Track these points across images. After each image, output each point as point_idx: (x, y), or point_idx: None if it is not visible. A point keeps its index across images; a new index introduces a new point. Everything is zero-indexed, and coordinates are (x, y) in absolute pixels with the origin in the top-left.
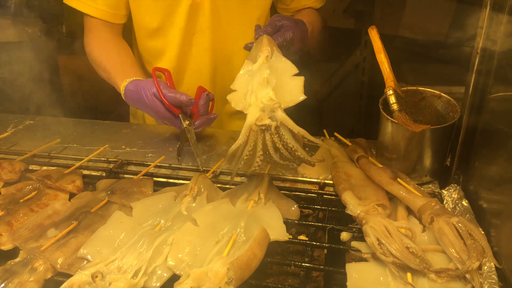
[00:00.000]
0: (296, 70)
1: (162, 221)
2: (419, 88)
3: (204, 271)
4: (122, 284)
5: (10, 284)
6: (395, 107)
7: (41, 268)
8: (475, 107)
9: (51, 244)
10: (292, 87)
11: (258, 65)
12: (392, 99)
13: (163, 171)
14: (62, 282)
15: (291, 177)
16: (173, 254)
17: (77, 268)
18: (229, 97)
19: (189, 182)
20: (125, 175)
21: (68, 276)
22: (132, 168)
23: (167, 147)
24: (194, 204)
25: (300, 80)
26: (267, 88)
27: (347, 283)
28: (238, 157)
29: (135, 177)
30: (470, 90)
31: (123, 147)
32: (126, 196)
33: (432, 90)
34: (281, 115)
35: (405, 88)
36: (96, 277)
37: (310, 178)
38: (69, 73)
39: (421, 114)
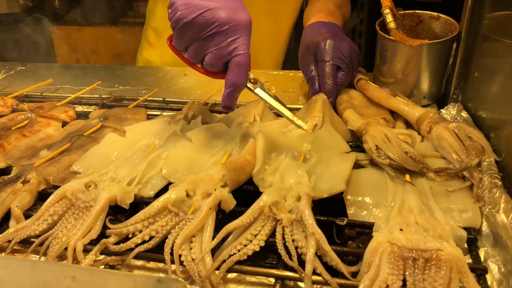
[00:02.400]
0: (347, 148)
1: (156, 140)
2: (416, 11)
3: (199, 177)
4: (116, 188)
5: (2, 192)
6: (392, 25)
7: (34, 180)
8: (474, 20)
9: (43, 161)
10: (334, 171)
11: (299, 133)
12: (389, 18)
13: (156, 104)
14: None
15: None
16: (168, 165)
17: (67, 181)
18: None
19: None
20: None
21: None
22: (126, 102)
23: (160, 84)
24: (188, 126)
25: (349, 161)
26: (301, 169)
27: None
28: (233, 240)
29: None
30: (470, 2)
31: (116, 85)
32: (120, 122)
33: (429, 12)
34: (303, 207)
35: (402, 12)
36: (90, 186)
37: None
38: (63, 44)
39: (419, 39)
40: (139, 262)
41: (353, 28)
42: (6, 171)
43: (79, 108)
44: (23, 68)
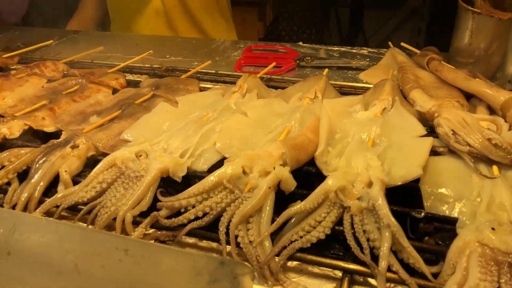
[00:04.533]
0: (422, 131)
1: (210, 113)
2: None
3: (256, 153)
4: (168, 159)
5: (51, 156)
6: None
7: (83, 146)
8: None
9: (93, 128)
10: (409, 155)
11: (367, 115)
12: None
13: (209, 76)
14: None
15: (351, 84)
16: (222, 139)
17: (116, 149)
18: (323, 122)
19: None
20: None
21: None
22: (178, 73)
23: (213, 57)
24: (243, 100)
25: (426, 144)
26: (370, 153)
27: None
28: (295, 225)
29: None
30: None
31: (168, 56)
32: (171, 92)
33: None
34: (376, 194)
35: None
36: (140, 156)
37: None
38: None
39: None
40: (191, 240)
41: (413, 9)
42: (55, 135)
43: (130, 77)
44: (75, 35)
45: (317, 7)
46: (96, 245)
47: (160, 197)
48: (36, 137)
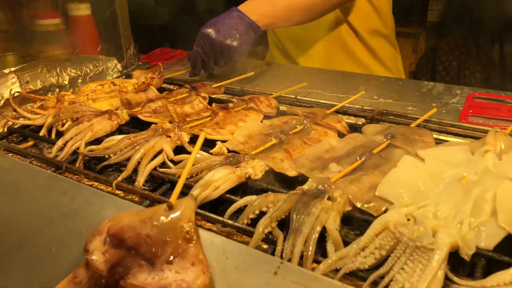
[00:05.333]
0: None
1: (465, 174)
2: None
3: None
4: (455, 233)
5: (313, 208)
6: None
7: (340, 200)
8: None
9: (340, 177)
10: None
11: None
12: None
13: (433, 126)
14: (361, 219)
15: None
16: (503, 212)
17: (376, 207)
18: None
19: (481, 139)
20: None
21: (366, 214)
22: (392, 118)
23: (428, 102)
24: (501, 162)
25: None
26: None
27: None
28: None
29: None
30: None
31: (375, 97)
32: (409, 143)
33: None
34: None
35: None
36: (409, 219)
37: None
38: None
39: None
40: None
41: None
42: (290, 178)
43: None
44: (268, 66)
45: (482, 42)
46: None
47: (457, 281)
48: (273, 178)
